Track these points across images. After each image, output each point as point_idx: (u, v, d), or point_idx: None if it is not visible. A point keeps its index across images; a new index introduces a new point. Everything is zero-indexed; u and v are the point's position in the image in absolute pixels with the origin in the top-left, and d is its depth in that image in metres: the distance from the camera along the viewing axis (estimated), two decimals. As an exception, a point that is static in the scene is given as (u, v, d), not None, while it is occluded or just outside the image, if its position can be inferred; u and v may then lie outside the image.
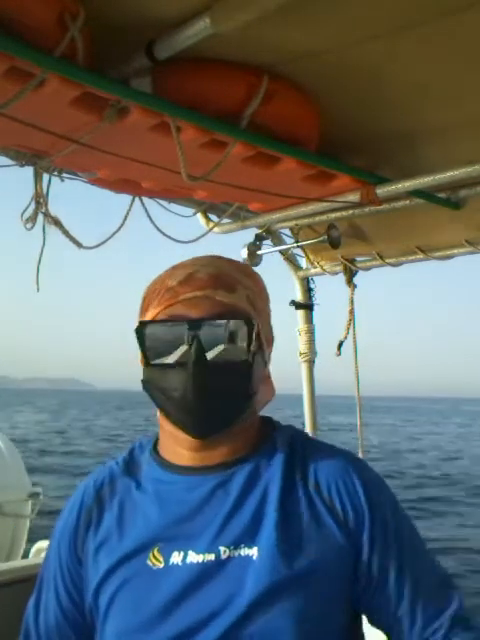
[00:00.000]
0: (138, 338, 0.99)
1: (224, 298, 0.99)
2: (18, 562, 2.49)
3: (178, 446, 1.02)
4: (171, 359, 0.97)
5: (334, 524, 0.94)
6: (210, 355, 0.96)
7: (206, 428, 0.98)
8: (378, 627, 0.98)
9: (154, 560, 0.95)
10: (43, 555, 1.06)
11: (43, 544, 2.96)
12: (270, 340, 1.09)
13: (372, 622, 0.98)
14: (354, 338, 2.39)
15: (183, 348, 0.96)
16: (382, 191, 1.71)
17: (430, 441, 29.45)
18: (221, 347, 0.97)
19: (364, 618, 0.99)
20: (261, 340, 1.03)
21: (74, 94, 1.19)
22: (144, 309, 1.05)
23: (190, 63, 1.28)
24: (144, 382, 1.02)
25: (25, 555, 4.01)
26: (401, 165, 1.74)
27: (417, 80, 1.34)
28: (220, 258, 1.08)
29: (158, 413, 1.04)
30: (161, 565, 0.94)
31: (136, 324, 1.03)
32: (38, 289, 1.77)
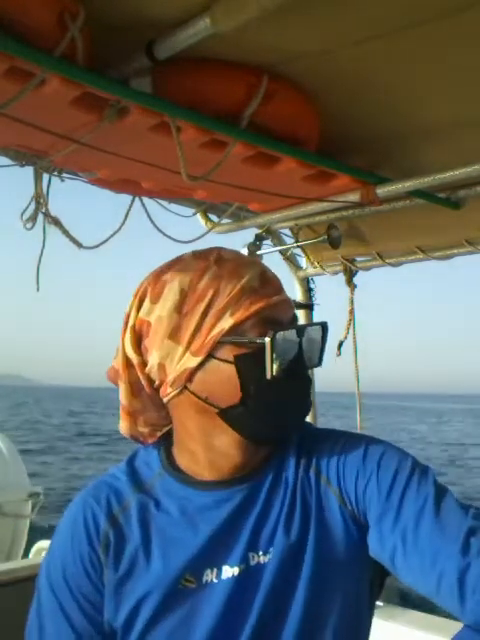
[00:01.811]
0: (272, 349, 0.85)
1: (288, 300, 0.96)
2: (18, 562, 2.49)
3: (219, 457, 0.94)
4: (286, 368, 0.88)
5: (338, 509, 0.90)
6: (308, 362, 0.92)
7: (284, 437, 0.96)
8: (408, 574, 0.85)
9: (186, 582, 0.89)
10: (44, 555, 1.04)
11: (43, 544, 2.96)
12: None
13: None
14: (354, 338, 2.39)
15: (293, 356, 0.89)
16: (382, 191, 1.71)
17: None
18: (315, 353, 0.94)
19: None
20: None
21: (74, 94, 1.19)
22: (207, 307, 0.89)
23: (190, 63, 1.28)
24: (246, 397, 0.89)
25: (25, 555, 4.02)
26: (401, 165, 1.74)
27: (417, 80, 1.34)
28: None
29: (189, 421, 0.95)
30: (194, 585, 0.89)
31: (216, 325, 0.87)
32: (38, 289, 1.78)
